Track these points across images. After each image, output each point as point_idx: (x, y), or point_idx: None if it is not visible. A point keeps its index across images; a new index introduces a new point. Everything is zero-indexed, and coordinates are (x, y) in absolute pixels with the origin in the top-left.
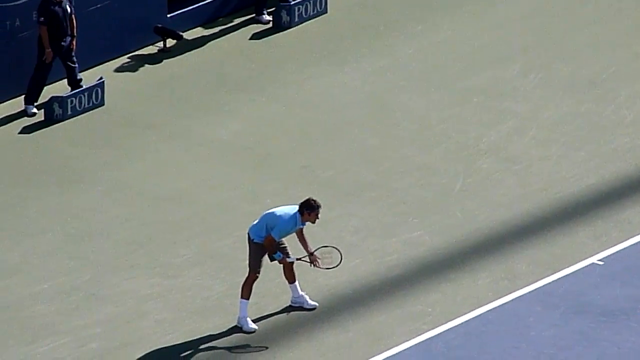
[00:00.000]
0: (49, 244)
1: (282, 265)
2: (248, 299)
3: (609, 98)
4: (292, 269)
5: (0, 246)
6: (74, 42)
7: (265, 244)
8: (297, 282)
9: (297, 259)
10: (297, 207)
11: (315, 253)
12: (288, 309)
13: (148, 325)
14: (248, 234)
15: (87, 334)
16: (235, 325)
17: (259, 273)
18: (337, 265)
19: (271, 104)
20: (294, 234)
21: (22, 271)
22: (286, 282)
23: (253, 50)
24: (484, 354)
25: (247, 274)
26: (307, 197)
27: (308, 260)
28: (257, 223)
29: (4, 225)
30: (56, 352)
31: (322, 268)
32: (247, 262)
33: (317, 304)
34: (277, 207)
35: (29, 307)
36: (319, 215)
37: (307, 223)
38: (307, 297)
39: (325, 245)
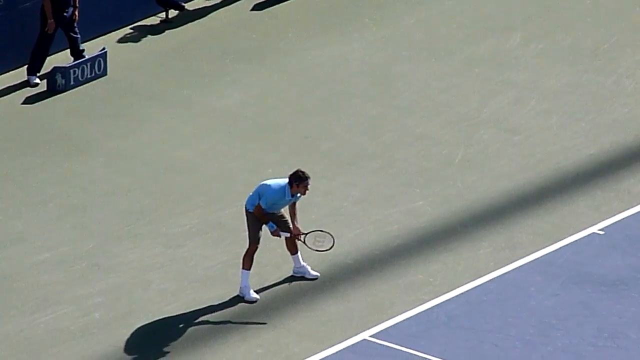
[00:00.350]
0: (52, 214)
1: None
2: (249, 269)
3: (609, 68)
4: (294, 240)
5: (3, 216)
6: (77, 13)
7: (255, 213)
8: (299, 253)
9: (289, 236)
10: (286, 188)
11: (309, 234)
12: (290, 279)
13: (150, 295)
14: (245, 205)
15: (89, 303)
16: (238, 295)
17: (258, 243)
18: (326, 250)
19: (273, 75)
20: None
21: (25, 241)
22: (288, 253)
23: (254, 20)
24: (484, 324)
25: (247, 245)
26: (296, 169)
27: (301, 239)
28: (252, 194)
29: (7, 195)
30: (59, 321)
31: (312, 248)
32: (247, 233)
33: (318, 274)
34: (274, 178)
35: (31, 277)
36: (309, 187)
37: (301, 196)
38: (308, 268)
39: (322, 230)
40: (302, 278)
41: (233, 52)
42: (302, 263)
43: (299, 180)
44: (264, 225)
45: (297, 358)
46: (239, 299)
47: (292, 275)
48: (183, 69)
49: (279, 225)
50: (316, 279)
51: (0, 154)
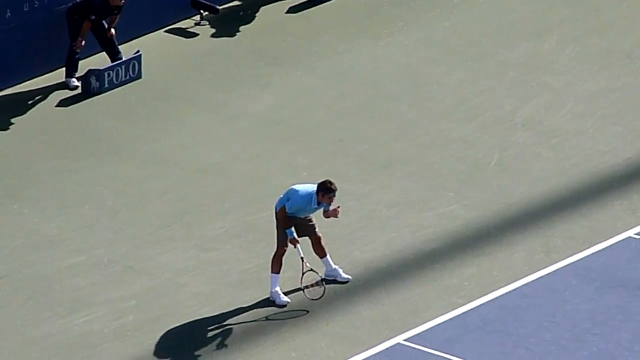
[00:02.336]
0: (86, 217)
1: (311, 240)
2: (278, 272)
3: None
4: (321, 243)
5: (38, 218)
6: (115, 18)
7: (278, 215)
8: (328, 256)
9: (302, 258)
10: (313, 195)
11: (309, 272)
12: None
13: (184, 298)
14: (274, 207)
15: (123, 306)
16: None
17: (287, 246)
18: (315, 299)
19: (307, 77)
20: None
21: (59, 243)
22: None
23: (289, 23)
24: (519, 328)
25: (275, 248)
26: (325, 179)
27: (309, 268)
28: (282, 197)
29: (42, 197)
30: (92, 324)
31: (302, 287)
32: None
33: (350, 277)
34: (305, 184)
35: (65, 279)
36: (333, 200)
37: (328, 206)
38: (340, 270)
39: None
40: (334, 281)
41: (267, 55)
42: (334, 266)
43: (324, 191)
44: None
45: None
46: (272, 302)
47: (323, 279)
48: (217, 72)
49: (303, 229)
50: (348, 281)
51: (34, 156)
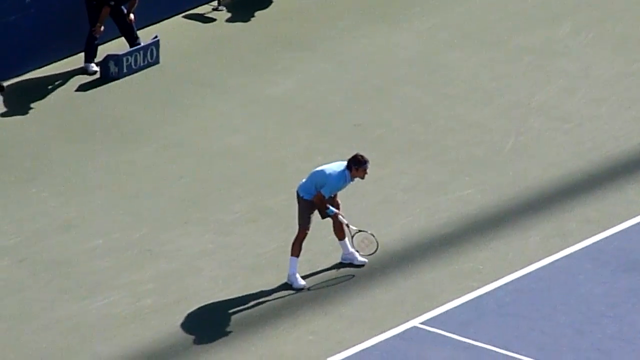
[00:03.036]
0: (104, 201)
1: (332, 221)
2: (298, 256)
3: None
4: (341, 225)
5: (56, 202)
6: (132, 16)
7: (315, 201)
8: (347, 239)
9: (347, 225)
10: (344, 164)
11: (360, 233)
12: (338, 266)
13: (201, 282)
14: (297, 191)
15: (141, 289)
16: (288, 282)
17: (308, 230)
18: (371, 254)
19: (324, 62)
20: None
21: (77, 227)
22: (336, 239)
23: (306, 9)
24: (534, 311)
25: (296, 232)
26: (355, 153)
27: (357, 229)
28: (305, 181)
29: (60, 181)
30: (111, 307)
31: (355, 249)
32: (297, 219)
33: (366, 261)
34: (325, 164)
35: (84, 263)
36: (367, 171)
37: (357, 179)
38: (357, 254)
39: (367, 232)
40: (350, 265)
41: (284, 40)
42: (351, 249)
43: (358, 164)
44: (315, 212)
45: (347, 344)
46: (290, 285)
47: (340, 262)
48: (234, 57)
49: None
50: (364, 265)
51: (53, 141)
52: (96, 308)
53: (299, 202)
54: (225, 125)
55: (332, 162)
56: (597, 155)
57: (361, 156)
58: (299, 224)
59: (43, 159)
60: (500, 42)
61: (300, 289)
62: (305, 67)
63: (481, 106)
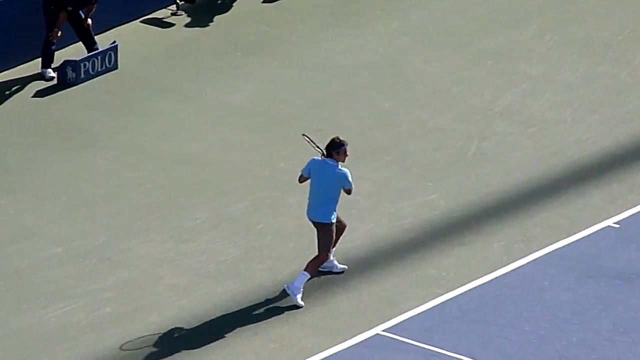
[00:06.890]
0: (63, 208)
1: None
2: (312, 276)
3: (624, 60)
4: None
5: (14, 210)
6: (89, 21)
7: (350, 193)
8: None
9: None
10: (327, 160)
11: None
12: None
13: (162, 290)
14: (315, 221)
15: (100, 298)
16: (249, 290)
17: (330, 253)
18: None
19: (284, 67)
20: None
21: (36, 235)
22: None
23: (266, 13)
24: (498, 318)
25: (318, 254)
26: (330, 140)
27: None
28: (318, 205)
29: (18, 188)
30: (70, 316)
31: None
32: (317, 243)
33: (346, 267)
34: (316, 180)
35: (42, 271)
36: (348, 152)
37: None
38: (335, 261)
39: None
40: (330, 272)
41: (244, 44)
42: (331, 257)
43: (337, 147)
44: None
45: (310, 352)
46: (251, 293)
47: (319, 270)
48: (194, 62)
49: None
50: (343, 272)
51: (10, 147)
52: (55, 317)
53: (319, 228)
54: (185, 131)
55: (296, 167)
56: (562, 160)
57: (338, 139)
58: (324, 247)
59: (0, 167)
60: (463, 46)
61: (297, 306)
62: (265, 72)
63: (444, 111)
